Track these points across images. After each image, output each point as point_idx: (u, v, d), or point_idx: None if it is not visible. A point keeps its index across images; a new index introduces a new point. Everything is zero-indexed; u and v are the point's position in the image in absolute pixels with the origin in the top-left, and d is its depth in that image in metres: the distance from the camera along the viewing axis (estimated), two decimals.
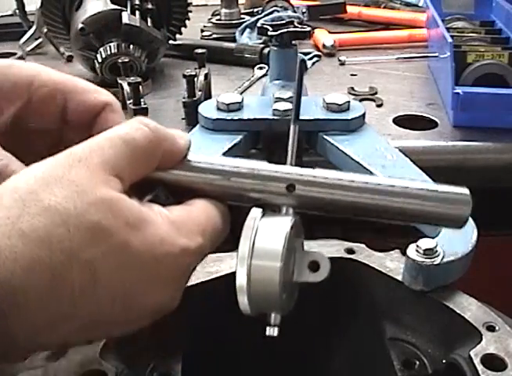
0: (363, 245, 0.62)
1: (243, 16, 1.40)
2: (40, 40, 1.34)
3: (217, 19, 1.40)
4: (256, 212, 0.44)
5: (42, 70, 0.52)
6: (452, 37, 0.98)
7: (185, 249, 0.41)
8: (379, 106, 1.03)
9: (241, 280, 0.42)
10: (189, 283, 0.55)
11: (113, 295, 0.39)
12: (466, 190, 0.45)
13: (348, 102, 0.81)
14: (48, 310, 0.37)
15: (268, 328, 0.43)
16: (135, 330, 0.43)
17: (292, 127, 0.51)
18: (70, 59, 1.28)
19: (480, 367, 0.48)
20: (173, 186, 0.46)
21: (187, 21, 1.25)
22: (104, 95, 0.52)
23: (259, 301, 0.42)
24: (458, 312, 0.54)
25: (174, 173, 0.46)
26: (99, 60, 1.08)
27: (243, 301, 0.42)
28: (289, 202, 0.45)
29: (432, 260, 0.55)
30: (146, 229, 0.39)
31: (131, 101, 0.95)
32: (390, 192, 0.45)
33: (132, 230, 0.39)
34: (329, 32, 1.36)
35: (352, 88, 1.10)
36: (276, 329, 0.43)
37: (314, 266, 0.43)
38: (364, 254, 0.61)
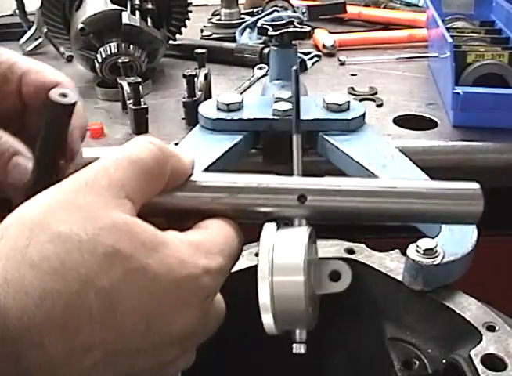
0: (363, 245, 0.62)
1: (243, 16, 1.40)
2: (40, 40, 1.34)
3: (217, 19, 1.40)
4: (270, 227, 0.42)
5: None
6: (452, 37, 0.98)
7: (207, 270, 0.39)
8: (379, 106, 1.03)
9: (264, 299, 0.40)
10: None
11: (134, 322, 0.37)
12: (476, 185, 0.44)
13: (348, 102, 0.81)
14: (65, 344, 0.34)
15: (294, 345, 0.42)
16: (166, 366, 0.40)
17: (295, 137, 0.50)
18: (70, 59, 1.28)
19: (480, 367, 0.48)
20: (182, 208, 0.44)
21: (187, 21, 1.25)
22: (56, 74, 0.53)
23: (284, 318, 0.41)
24: (458, 312, 0.54)
25: (182, 195, 0.44)
26: (99, 60, 1.08)
27: (268, 320, 0.40)
28: (301, 213, 0.44)
29: (432, 260, 0.55)
30: (164, 251, 0.38)
31: (131, 101, 0.95)
32: (402, 194, 0.44)
33: (150, 253, 0.37)
34: (330, 32, 1.36)
35: (352, 88, 1.10)
36: (303, 345, 0.42)
37: (335, 276, 0.42)
38: (364, 254, 0.61)
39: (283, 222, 0.44)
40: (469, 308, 0.55)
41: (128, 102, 0.96)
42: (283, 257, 0.41)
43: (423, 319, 0.57)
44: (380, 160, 0.72)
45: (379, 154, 0.74)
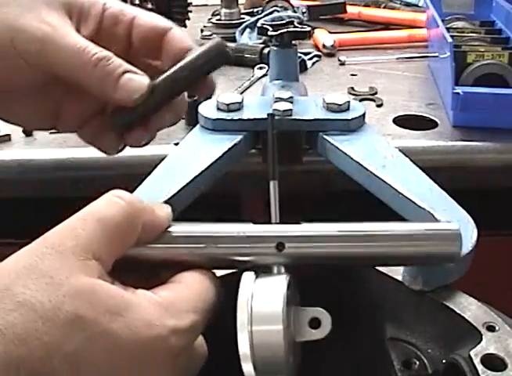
0: None
1: (243, 16, 1.40)
2: None
3: (217, 19, 1.40)
4: (249, 276, 0.43)
5: None
6: (452, 37, 0.98)
7: (175, 329, 0.39)
8: (379, 106, 1.03)
9: (244, 349, 0.40)
10: None
11: None
12: (454, 225, 0.45)
13: (348, 102, 0.81)
14: None
15: None
16: None
17: (272, 183, 0.50)
18: None
19: (480, 367, 0.48)
20: (158, 260, 0.44)
21: (187, 21, 1.25)
22: (166, 21, 0.55)
23: (265, 367, 0.41)
24: (458, 312, 0.54)
25: (157, 247, 0.44)
26: None
27: (248, 369, 0.41)
28: (279, 261, 0.44)
29: None
30: (128, 313, 0.38)
31: None
32: (379, 237, 0.45)
33: (113, 316, 0.37)
34: (329, 32, 1.36)
35: (352, 88, 1.10)
36: None
37: (315, 323, 0.42)
38: None
39: (262, 269, 0.44)
40: (469, 308, 0.55)
41: None
42: (262, 306, 0.41)
43: (423, 319, 0.57)
44: (380, 160, 0.72)
45: (379, 154, 0.74)
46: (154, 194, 0.66)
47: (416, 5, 1.48)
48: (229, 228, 0.45)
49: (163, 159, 0.72)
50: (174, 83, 0.53)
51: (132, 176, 0.71)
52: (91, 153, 0.89)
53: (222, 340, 0.45)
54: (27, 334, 0.35)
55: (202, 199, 0.71)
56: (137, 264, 0.44)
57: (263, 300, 0.41)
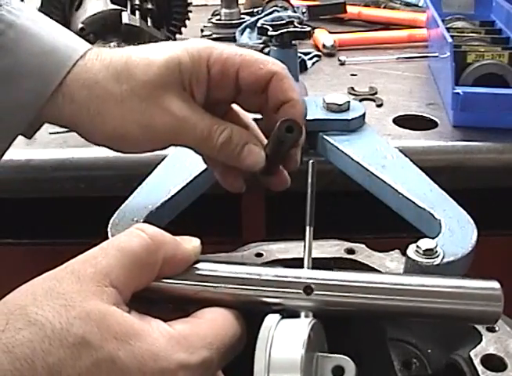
0: (363, 245, 0.62)
1: (243, 16, 1.40)
2: None
3: (217, 19, 1.40)
4: (271, 320, 0.41)
5: (214, 49, 0.56)
6: (452, 37, 0.98)
7: (184, 364, 0.39)
8: (379, 106, 1.03)
9: None
10: None
11: None
12: (495, 284, 0.43)
13: (348, 102, 0.81)
14: None
15: None
16: None
17: (308, 229, 0.49)
18: None
19: (480, 368, 0.48)
20: (181, 295, 0.44)
21: (187, 21, 1.25)
22: (270, 64, 0.56)
23: None
24: None
25: (179, 282, 0.44)
26: None
27: None
28: (307, 305, 0.43)
29: (432, 260, 0.55)
30: (137, 343, 0.38)
31: None
32: (414, 292, 0.43)
33: (121, 344, 0.37)
34: (329, 32, 1.36)
35: (352, 88, 1.10)
36: None
37: (338, 371, 0.40)
38: (364, 254, 0.61)
39: (290, 314, 0.43)
40: None
41: None
42: (280, 352, 0.40)
43: None
44: (380, 161, 0.72)
45: (379, 154, 0.74)
46: (154, 194, 0.66)
47: (416, 5, 1.49)
48: (257, 270, 0.45)
49: (163, 159, 0.72)
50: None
51: (132, 176, 0.72)
52: (91, 153, 0.89)
53: None
54: (33, 354, 0.35)
55: (202, 199, 0.71)
56: (160, 297, 0.44)
57: (282, 345, 0.40)
